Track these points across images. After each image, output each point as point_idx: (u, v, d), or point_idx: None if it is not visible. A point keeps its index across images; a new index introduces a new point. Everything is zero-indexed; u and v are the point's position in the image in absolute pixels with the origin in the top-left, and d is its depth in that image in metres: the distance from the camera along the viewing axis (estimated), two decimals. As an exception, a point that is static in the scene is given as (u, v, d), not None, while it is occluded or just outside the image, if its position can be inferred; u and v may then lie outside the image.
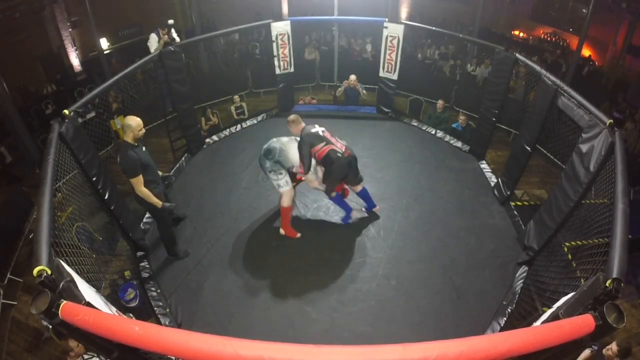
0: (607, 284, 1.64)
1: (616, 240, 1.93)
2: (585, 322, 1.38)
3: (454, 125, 6.33)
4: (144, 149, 3.56)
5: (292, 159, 3.99)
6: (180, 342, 1.25)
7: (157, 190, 3.64)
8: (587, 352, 2.88)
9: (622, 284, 1.63)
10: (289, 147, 4.00)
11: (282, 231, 4.40)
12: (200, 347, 1.21)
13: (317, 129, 4.00)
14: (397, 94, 7.01)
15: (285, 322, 3.54)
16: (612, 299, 1.58)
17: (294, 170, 4.10)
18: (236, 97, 6.91)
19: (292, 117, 4.05)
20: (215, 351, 1.20)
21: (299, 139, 3.97)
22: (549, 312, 1.92)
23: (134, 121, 3.39)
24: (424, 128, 6.61)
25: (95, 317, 1.45)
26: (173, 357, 1.78)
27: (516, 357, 1.28)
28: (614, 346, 2.75)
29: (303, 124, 4.03)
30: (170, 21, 5.53)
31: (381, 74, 6.59)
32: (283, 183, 4.04)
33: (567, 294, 2.06)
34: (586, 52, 10.13)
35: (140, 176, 3.44)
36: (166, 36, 5.39)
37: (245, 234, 4.42)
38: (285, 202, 4.13)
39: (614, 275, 1.70)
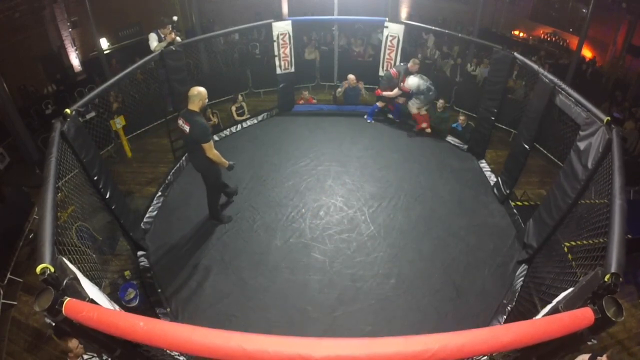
0: (605, 279, 1.65)
1: (614, 235, 1.94)
2: (584, 315, 1.40)
3: (453, 125, 6.35)
4: None
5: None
6: (185, 337, 1.25)
7: None
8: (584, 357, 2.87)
9: (620, 279, 1.64)
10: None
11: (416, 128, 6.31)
12: (204, 341, 1.22)
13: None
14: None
15: (285, 321, 3.55)
16: (610, 293, 1.59)
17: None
18: (239, 97, 6.92)
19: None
20: (220, 345, 1.21)
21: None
22: (549, 306, 1.93)
23: (202, 91, 3.72)
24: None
25: (100, 313, 1.46)
26: (176, 354, 1.79)
27: (516, 350, 1.29)
28: (604, 358, 2.73)
29: None
30: (175, 18, 5.53)
31: (381, 73, 6.61)
32: None
33: (566, 290, 2.07)
34: (587, 52, 10.14)
35: (212, 140, 3.79)
36: (172, 34, 5.38)
37: (245, 234, 4.43)
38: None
39: (612, 270, 1.71)
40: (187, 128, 3.72)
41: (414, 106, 6.15)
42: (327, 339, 1.22)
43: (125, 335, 1.37)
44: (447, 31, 7.10)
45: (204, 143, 3.72)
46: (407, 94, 6.08)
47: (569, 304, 1.69)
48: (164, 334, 1.28)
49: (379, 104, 6.54)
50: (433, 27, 6.55)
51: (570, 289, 1.85)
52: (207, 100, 3.79)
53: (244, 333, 1.23)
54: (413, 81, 5.94)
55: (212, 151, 3.79)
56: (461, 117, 6.35)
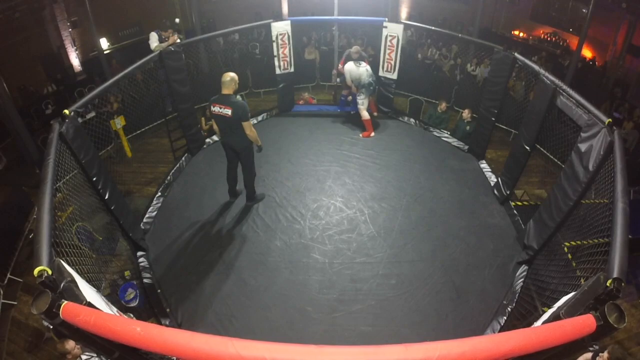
0: (607, 284, 1.64)
1: (616, 239, 1.93)
2: (586, 322, 1.38)
3: (465, 128, 6.08)
4: None
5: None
6: (182, 343, 1.24)
7: None
8: (587, 356, 2.86)
9: (622, 284, 1.63)
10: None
11: (362, 135, 6.20)
12: (202, 347, 1.21)
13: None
14: (397, 93, 7.00)
15: (285, 322, 3.54)
16: (613, 298, 1.58)
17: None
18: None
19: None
20: (217, 352, 1.20)
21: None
22: (549, 311, 1.91)
23: (235, 75, 4.14)
24: (424, 128, 6.61)
25: (97, 317, 1.45)
26: (174, 358, 1.78)
27: (518, 357, 1.28)
28: (605, 354, 2.72)
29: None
30: (177, 20, 5.53)
31: (380, 73, 6.59)
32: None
33: (567, 293, 2.05)
34: (587, 52, 10.12)
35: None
36: (175, 35, 5.36)
37: (245, 234, 4.42)
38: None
39: (615, 274, 1.70)
40: (228, 111, 3.95)
41: (363, 106, 6.08)
42: (327, 347, 1.21)
43: (121, 341, 1.36)
44: (446, 31, 7.08)
45: (245, 121, 3.98)
46: (358, 85, 6.02)
47: (571, 310, 1.67)
48: (161, 339, 1.27)
49: (344, 92, 6.69)
50: (433, 27, 6.51)
51: (572, 294, 1.83)
52: (237, 85, 4.13)
53: (242, 340, 1.22)
54: (356, 70, 5.93)
55: (251, 128, 4.09)
56: (465, 112, 6.15)
